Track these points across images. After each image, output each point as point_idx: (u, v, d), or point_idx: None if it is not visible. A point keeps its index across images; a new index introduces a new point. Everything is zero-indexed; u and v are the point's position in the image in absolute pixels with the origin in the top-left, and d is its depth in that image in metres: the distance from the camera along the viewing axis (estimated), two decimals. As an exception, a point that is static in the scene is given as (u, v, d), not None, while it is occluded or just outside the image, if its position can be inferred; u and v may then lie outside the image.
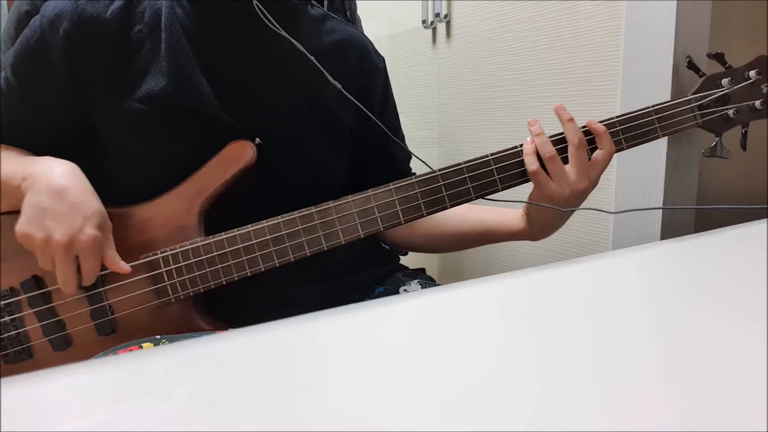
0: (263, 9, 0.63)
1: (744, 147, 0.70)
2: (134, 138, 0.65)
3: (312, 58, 0.63)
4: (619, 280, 0.37)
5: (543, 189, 0.64)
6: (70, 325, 0.62)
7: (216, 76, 0.65)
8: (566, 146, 0.63)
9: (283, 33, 0.62)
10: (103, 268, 0.60)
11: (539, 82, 0.99)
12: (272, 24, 0.62)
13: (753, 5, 0.92)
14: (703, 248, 0.44)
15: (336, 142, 0.74)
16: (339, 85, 0.64)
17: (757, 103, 0.67)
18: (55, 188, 0.57)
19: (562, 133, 0.64)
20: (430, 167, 0.64)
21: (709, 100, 0.67)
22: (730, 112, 0.67)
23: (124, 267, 0.60)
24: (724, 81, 0.68)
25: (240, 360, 0.25)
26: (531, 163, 0.63)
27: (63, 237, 0.56)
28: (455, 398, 0.21)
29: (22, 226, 0.57)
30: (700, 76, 0.68)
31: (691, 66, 0.69)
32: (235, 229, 0.62)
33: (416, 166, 0.80)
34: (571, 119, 0.63)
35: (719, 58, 0.68)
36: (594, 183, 0.64)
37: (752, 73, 0.67)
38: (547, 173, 0.63)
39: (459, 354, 0.25)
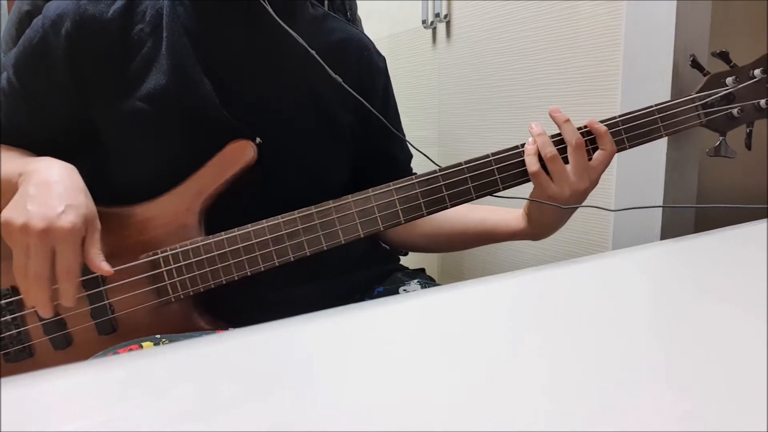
0: (266, 3, 0.62)
1: (749, 146, 0.70)
2: (135, 137, 0.65)
3: (313, 52, 0.63)
4: (620, 280, 0.37)
5: (543, 190, 0.63)
6: (70, 324, 0.62)
7: (217, 74, 0.65)
8: (566, 146, 0.63)
9: (285, 26, 0.62)
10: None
11: (539, 82, 0.99)
12: (275, 17, 0.62)
13: (753, 5, 0.91)
14: (703, 248, 0.44)
15: (336, 141, 0.74)
16: (340, 79, 0.64)
17: (762, 101, 0.67)
18: (45, 181, 0.56)
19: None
20: (436, 164, 0.64)
21: (713, 99, 0.67)
22: (735, 111, 0.67)
23: (106, 267, 0.56)
24: (729, 80, 0.67)
25: (240, 360, 0.25)
26: (532, 164, 0.63)
27: (40, 221, 0.53)
28: (455, 399, 0.21)
29: (4, 212, 0.55)
30: (704, 75, 0.68)
31: (695, 65, 0.69)
32: (235, 229, 0.62)
33: (419, 166, 0.80)
34: (568, 120, 0.63)
35: (724, 56, 0.67)
36: (594, 183, 0.64)
37: (757, 71, 0.67)
38: (548, 174, 0.63)
39: (459, 354, 0.25)
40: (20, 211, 0.54)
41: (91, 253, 0.56)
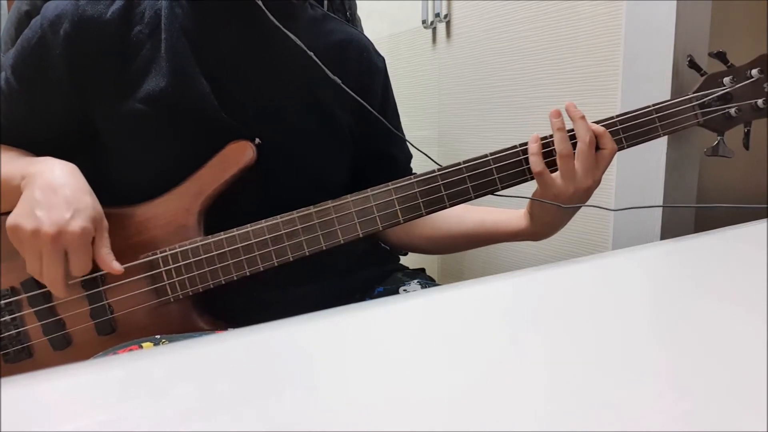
0: (263, 5, 0.63)
1: (747, 146, 0.70)
2: (135, 138, 0.65)
3: (311, 53, 0.63)
4: (620, 280, 0.37)
5: (548, 188, 0.63)
6: (69, 324, 0.62)
7: (216, 75, 0.65)
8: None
9: (281, 27, 0.62)
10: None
11: (539, 82, 0.99)
12: (272, 19, 0.62)
13: (753, 5, 0.92)
14: (703, 248, 0.44)
15: (336, 142, 0.74)
16: (338, 80, 0.64)
17: (760, 101, 0.67)
18: (50, 184, 0.57)
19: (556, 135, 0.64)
20: (438, 164, 0.64)
21: (710, 99, 0.67)
22: (732, 111, 0.67)
23: (117, 267, 0.58)
24: (726, 80, 0.68)
25: (240, 360, 0.25)
26: (536, 164, 0.63)
27: (51, 227, 0.54)
28: (455, 399, 0.21)
29: (12, 218, 0.56)
30: (702, 75, 0.68)
31: (693, 65, 0.69)
32: (235, 229, 0.62)
33: (419, 166, 0.80)
34: (583, 117, 0.63)
35: (721, 57, 0.68)
36: (597, 182, 0.64)
37: (754, 71, 0.67)
38: (552, 171, 0.63)
39: (459, 354, 0.25)
40: (29, 216, 0.55)
41: (102, 253, 0.58)
